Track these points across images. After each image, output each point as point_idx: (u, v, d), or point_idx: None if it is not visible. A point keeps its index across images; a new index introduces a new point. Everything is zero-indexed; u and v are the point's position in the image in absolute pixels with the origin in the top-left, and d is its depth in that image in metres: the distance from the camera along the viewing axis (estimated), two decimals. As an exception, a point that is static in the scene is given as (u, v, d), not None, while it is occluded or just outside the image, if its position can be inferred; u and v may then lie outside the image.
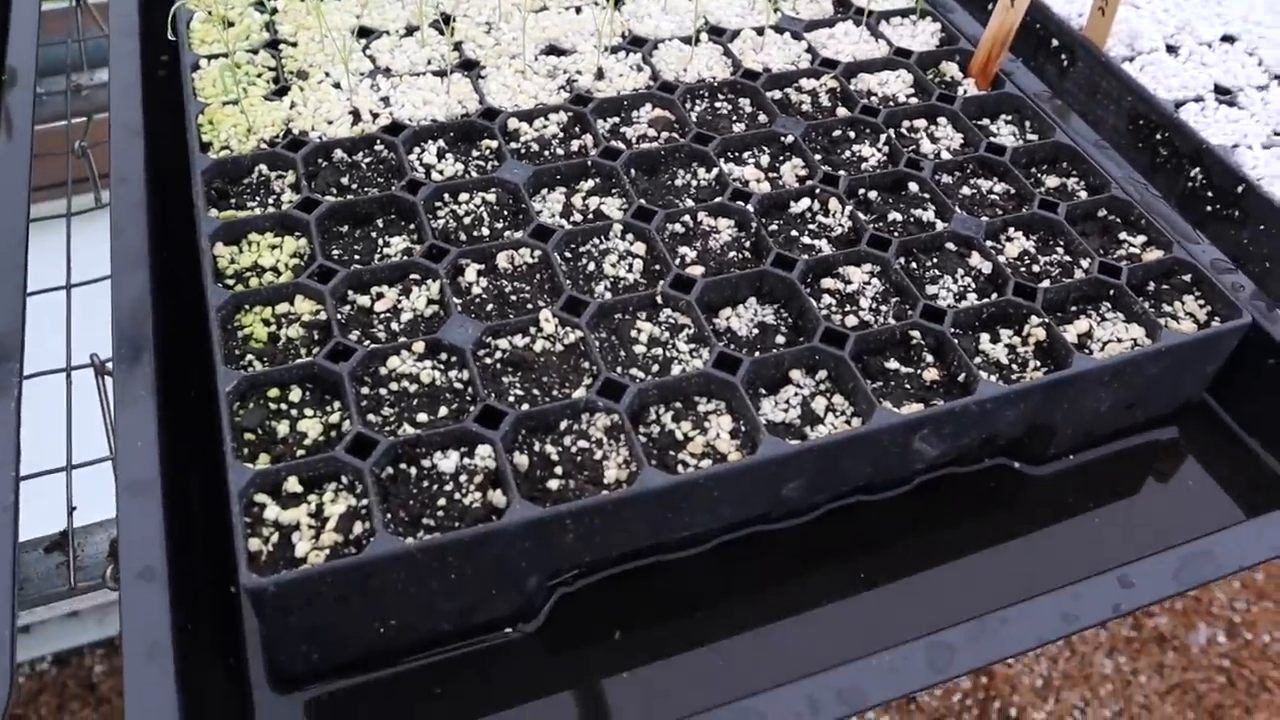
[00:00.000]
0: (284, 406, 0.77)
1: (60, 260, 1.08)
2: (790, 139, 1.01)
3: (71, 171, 1.18)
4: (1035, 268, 0.93)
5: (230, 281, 0.85)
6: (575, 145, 0.99)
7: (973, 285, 0.91)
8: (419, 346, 0.80)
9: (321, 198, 0.91)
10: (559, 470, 0.74)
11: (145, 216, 0.91)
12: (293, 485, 0.72)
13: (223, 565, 0.78)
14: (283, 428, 0.75)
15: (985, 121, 1.09)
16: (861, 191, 0.98)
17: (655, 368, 0.81)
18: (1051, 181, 1.03)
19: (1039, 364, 0.85)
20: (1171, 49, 1.19)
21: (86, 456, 0.96)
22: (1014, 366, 0.85)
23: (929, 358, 0.85)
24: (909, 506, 0.88)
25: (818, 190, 0.96)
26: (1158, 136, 1.10)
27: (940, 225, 0.95)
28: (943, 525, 0.88)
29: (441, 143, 0.99)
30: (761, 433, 0.76)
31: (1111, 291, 0.91)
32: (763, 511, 0.82)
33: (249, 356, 0.80)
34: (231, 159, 0.94)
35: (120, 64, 1.06)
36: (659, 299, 0.85)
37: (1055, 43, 1.21)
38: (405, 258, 0.87)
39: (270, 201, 0.92)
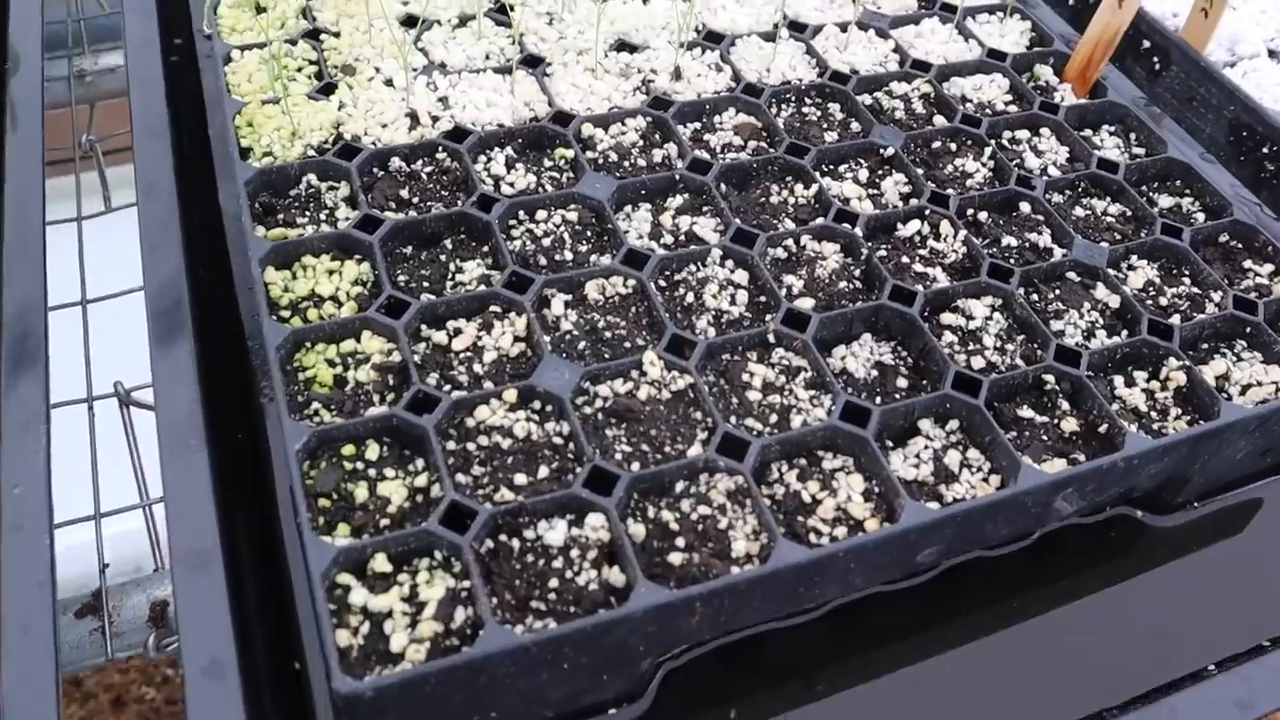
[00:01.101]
0: (360, 465, 0.67)
1: (71, 270, 0.97)
2: (890, 151, 0.93)
3: (79, 165, 1.06)
4: (1162, 300, 0.86)
5: (286, 313, 0.75)
6: (658, 155, 0.90)
7: (1100, 321, 0.83)
8: (510, 395, 0.70)
9: (382, 214, 0.81)
10: (680, 542, 0.65)
11: (179, 236, 0.80)
12: (380, 563, 0.62)
13: (284, 643, 0.68)
14: (361, 491, 0.66)
15: (1087, 132, 1.01)
16: (970, 212, 0.90)
17: (773, 418, 0.73)
18: (1165, 201, 0.95)
19: (1179, 411, 0.78)
20: (1274, 54, 1.12)
21: (113, 498, 0.86)
22: (1153, 414, 0.78)
23: (1065, 405, 0.77)
24: (1029, 561, 0.81)
25: (927, 211, 0.88)
26: (1264, 150, 1.02)
27: (1059, 252, 0.87)
28: (1064, 580, 0.81)
29: (510, 150, 0.88)
30: (901, 496, 0.68)
31: (1248, 329, 0.83)
32: (892, 578, 0.74)
33: (315, 404, 0.70)
34: (276, 168, 0.83)
35: (139, 54, 0.94)
36: (771, 337, 0.77)
37: (1147, 44, 1.13)
38: (484, 287, 0.77)
39: (323, 218, 0.82)
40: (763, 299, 0.80)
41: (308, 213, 0.82)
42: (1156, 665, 0.73)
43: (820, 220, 0.86)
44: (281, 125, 0.86)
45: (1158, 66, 1.12)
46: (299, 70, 0.92)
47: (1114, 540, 0.83)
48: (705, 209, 0.86)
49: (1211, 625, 0.76)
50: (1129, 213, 0.92)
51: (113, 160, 1.11)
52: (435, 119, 0.89)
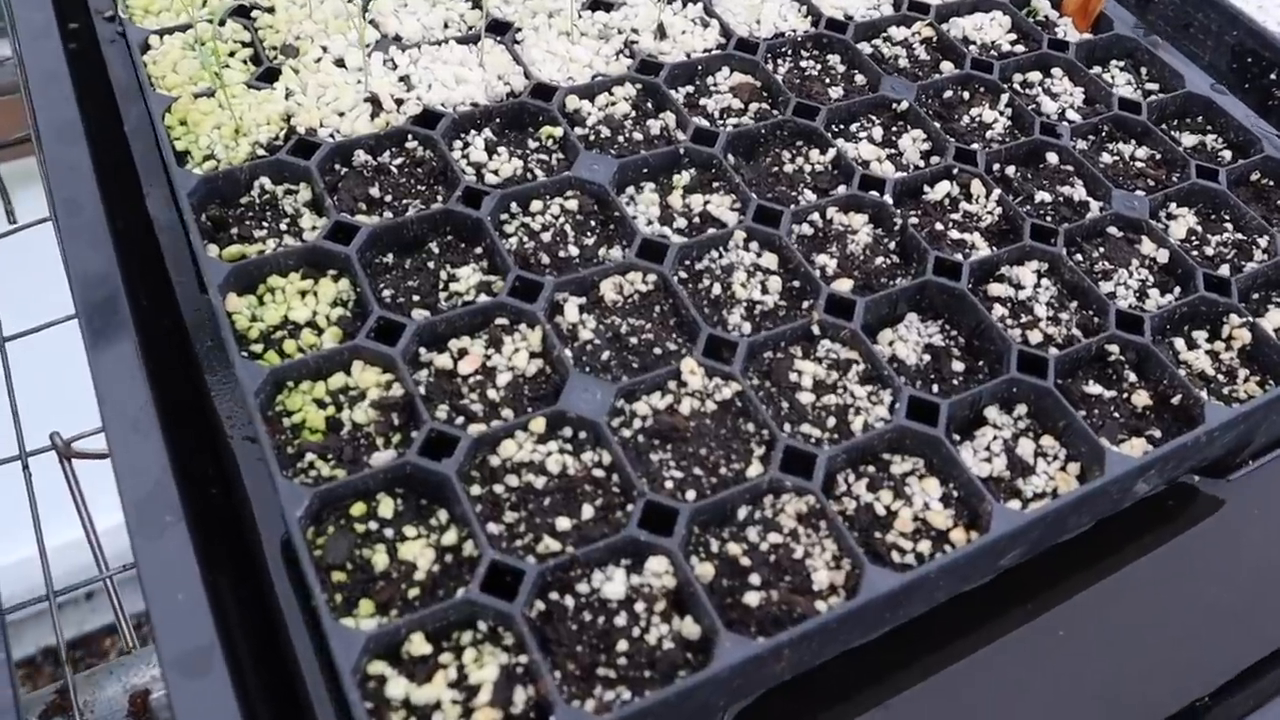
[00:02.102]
0: (374, 526, 0.57)
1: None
2: (904, 105, 0.84)
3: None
4: (1208, 250, 0.80)
5: (257, 347, 0.64)
6: (654, 127, 0.80)
7: (1150, 279, 0.77)
8: (538, 424, 0.61)
9: (353, 219, 0.70)
10: (754, 578, 0.57)
11: (115, 263, 0.68)
12: (418, 644, 0.53)
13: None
14: (380, 558, 0.56)
15: (1096, 70, 0.94)
16: (997, 167, 0.82)
17: (831, 421, 0.65)
18: (1188, 140, 0.89)
19: (1248, 372, 0.73)
20: (1271, -27, 1.06)
21: (61, 557, 0.74)
22: (1220, 377, 0.72)
23: (1132, 376, 0.71)
24: (1092, 540, 0.75)
25: (955, 170, 0.80)
26: (1272, 76, 0.97)
27: (1096, 206, 0.80)
28: (1131, 556, 0.75)
29: (488, 132, 0.78)
30: (985, 500, 0.61)
31: (1301, 274, 0.78)
32: (974, 586, 0.67)
33: (309, 456, 0.59)
34: (223, 173, 0.71)
35: (35, 44, 0.80)
36: (815, 329, 0.68)
37: (1138, -31, 1.06)
38: (485, 296, 0.67)
39: (284, 228, 0.70)
40: (796, 284, 0.71)
41: (265, 223, 0.70)
42: (1237, 643, 0.69)
43: (843, 189, 0.78)
44: (221, 122, 0.73)
45: (1150, -7, 1.05)
46: (231, 55, 0.79)
47: (1171, 508, 0.78)
48: (716, 185, 0.77)
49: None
50: (1158, 156, 0.86)
51: (12, 166, 0.97)
52: (399, 102, 0.77)
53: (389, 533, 0.57)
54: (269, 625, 0.61)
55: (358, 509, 0.57)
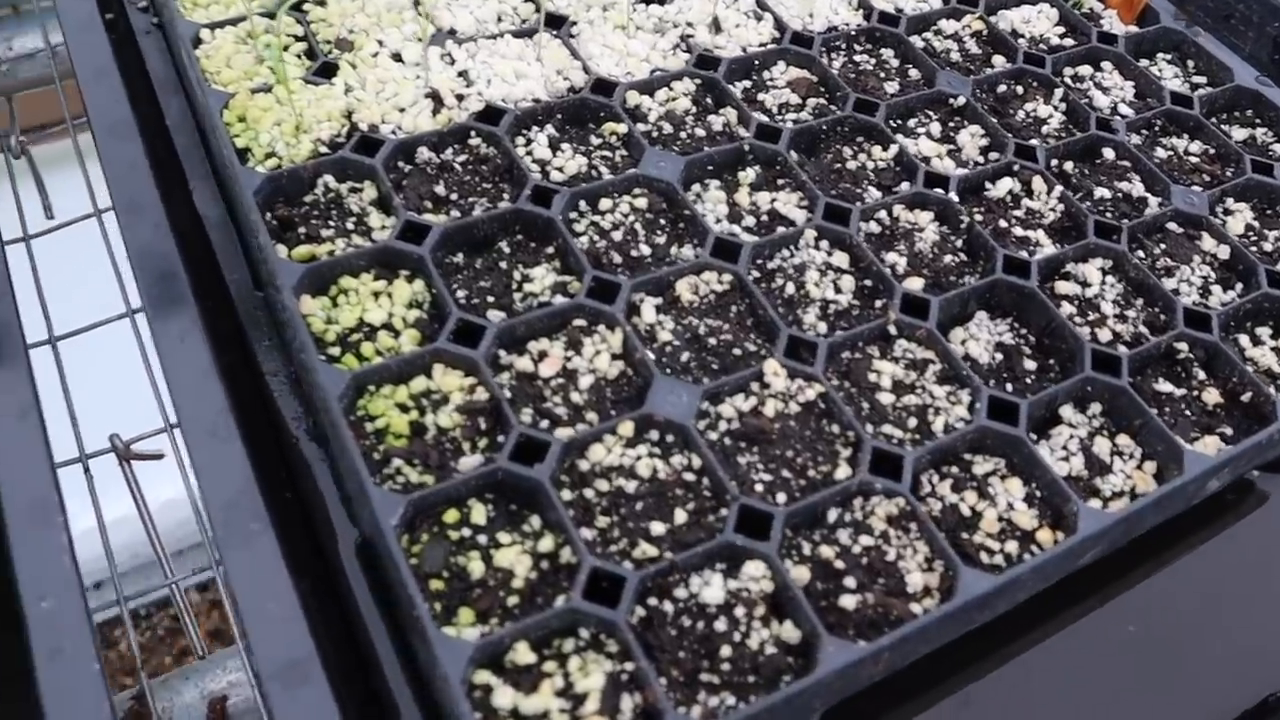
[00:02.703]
0: (467, 533, 0.57)
1: (29, 301, 0.82)
2: (961, 100, 0.84)
3: (12, 168, 0.89)
4: (1266, 245, 0.80)
5: (335, 351, 0.63)
6: (716, 123, 0.79)
7: (1212, 275, 0.77)
8: (626, 428, 0.60)
9: (420, 218, 0.69)
10: (850, 581, 0.57)
11: (182, 264, 0.67)
12: (523, 653, 0.52)
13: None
14: (476, 565, 0.55)
15: (1144, 63, 0.94)
16: (1054, 163, 0.82)
17: (912, 421, 0.64)
18: (1238, 134, 0.89)
19: (1313, 367, 0.73)
20: (1309, -34, 1.06)
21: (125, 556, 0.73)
22: (1286, 373, 0.73)
23: (1201, 373, 0.71)
24: (1157, 535, 0.75)
25: (1016, 167, 0.80)
26: (1313, 69, 0.97)
27: (1154, 202, 0.81)
28: (1195, 549, 0.76)
29: (551, 129, 0.77)
30: (1071, 500, 0.61)
31: (1358, 270, 0.79)
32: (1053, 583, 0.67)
33: (395, 462, 0.59)
34: (287, 172, 0.70)
35: (81, 37, 0.78)
36: (892, 329, 0.68)
37: (1175, -42, 1.06)
38: (561, 297, 0.67)
39: (351, 227, 0.69)
40: (869, 283, 0.71)
41: (331, 222, 0.69)
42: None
43: (907, 185, 0.77)
44: (282, 118, 0.72)
45: (1188, -18, 1.05)
46: (285, 49, 0.78)
47: (1232, 502, 0.78)
48: (781, 182, 0.77)
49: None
50: (1211, 150, 0.86)
51: (41, 158, 0.95)
52: (460, 98, 0.76)
53: (483, 539, 0.57)
54: (348, 632, 0.60)
55: (451, 516, 0.57)
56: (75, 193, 0.92)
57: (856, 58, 0.88)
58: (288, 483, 0.67)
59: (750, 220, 0.74)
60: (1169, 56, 0.96)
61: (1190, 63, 0.95)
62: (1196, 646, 0.69)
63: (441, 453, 0.60)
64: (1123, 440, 0.67)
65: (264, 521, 0.58)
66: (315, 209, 0.70)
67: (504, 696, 0.51)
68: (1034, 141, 0.82)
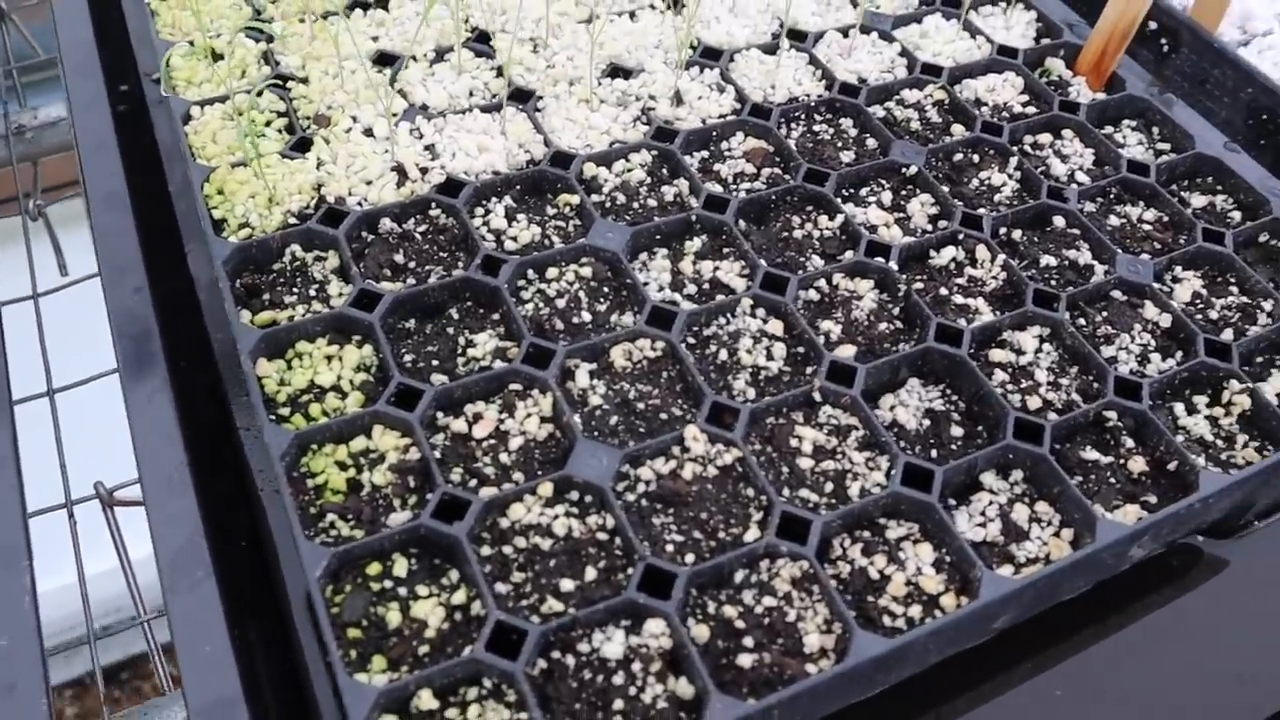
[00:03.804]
0: (388, 585, 0.61)
1: (32, 355, 0.89)
2: (913, 170, 0.87)
3: (29, 229, 0.97)
4: (1212, 314, 0.81)
5: (285, 410, 0.68)
6: (669, 194, 0.83)
7: (1153, 343, 0.78)
8: (546, 489, 0.64)
9: (378, 285, 0.74)
10: (748, 641, 0.60)
11: (158, 327, 0.73)
12: (426, 700, 0.56)
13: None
14: (394, 615, 0.59)
15: (1108, 129, 0.96)
16: (1004, 231, 0.85)
17: (829, 486, 0.67)
18: (1197, 201, 0.91)
19: (1247, 438, 0.74)
20: (1288, 30, 1.07)
21: (102, 596, 0.78)
22: (1219, 443, 0.74)
23: (1129, 442, 0.72)
24: (1094, 600, 0.76)
25: (960, 236, 0.82)
26: (1288, 134, 0.98)
27: (1101, 270, 0.82)
28: (1132, 617, 0.76)
29: (509, 199, 0.81)
30: (976, 566, 0.63)
31: (1304, 338, 0.79)
32: (963, 647, 0.69)
33: (329, 516, 0.63)
34: (256, 242, 0.75)
35: (86, 115, 0.85)
36: (816, 395, 0.71)
37: (1154, 25, 1.07)
38: (500, 362, 0.71)
39: (314, 294, 0.74)
40: (800, 350, 0.74)
41: (295, 289, 0.75)
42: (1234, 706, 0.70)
43: (850, 254, 0.80)
44: (256, 191, 0.78)
45: (1166, 49, 1.07)
46: (267, 124, 0.84)
47: (1175, 568, 0.79)
48: (726, 251, 0.80)
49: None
50: (1165, 218, 0.88)
51: (63, 213, 1.02)
52: (424, 170, 0.81)
53: (403, 591, 0.61)
54: (293, 676, 0.64)
55: (373, 569, 0.61)
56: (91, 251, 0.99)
57: (816, 127, 0.91)
58: (247, 531, 0.72)
59: (692, 288, 0.77)
60: (1134, 124, 0.97)
61: (1155, 129, 0.96)
62: (1122, 713, 0.70)
63: (374, 508, 0.64)
64: (1041, 507, 0.69)
65: (208, 570, 0.63)
66: (281, 276, 0.76)
67: (405, 742, 0.55)
68: (981, 210, 0.84)
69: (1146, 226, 0.87)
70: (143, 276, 0.76)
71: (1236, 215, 0.90)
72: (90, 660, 0.77)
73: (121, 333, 0.72)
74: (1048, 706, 0.69)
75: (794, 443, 0.69)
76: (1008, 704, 0.70)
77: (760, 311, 0.76)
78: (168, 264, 0.82)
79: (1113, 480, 0.71)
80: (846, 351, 0.74)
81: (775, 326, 0.75)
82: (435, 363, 0.72)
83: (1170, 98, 1.02)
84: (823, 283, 0.78)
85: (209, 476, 0.69)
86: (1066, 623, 0.74)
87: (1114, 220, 0.87)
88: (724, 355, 0.73)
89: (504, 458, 0.67)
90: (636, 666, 0.58)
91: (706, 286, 0.77)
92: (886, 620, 0.62)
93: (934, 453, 0.70)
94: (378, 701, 0.55)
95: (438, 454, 0.66)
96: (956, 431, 0.72)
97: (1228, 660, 0.74)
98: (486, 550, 0.62)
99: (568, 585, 0.61)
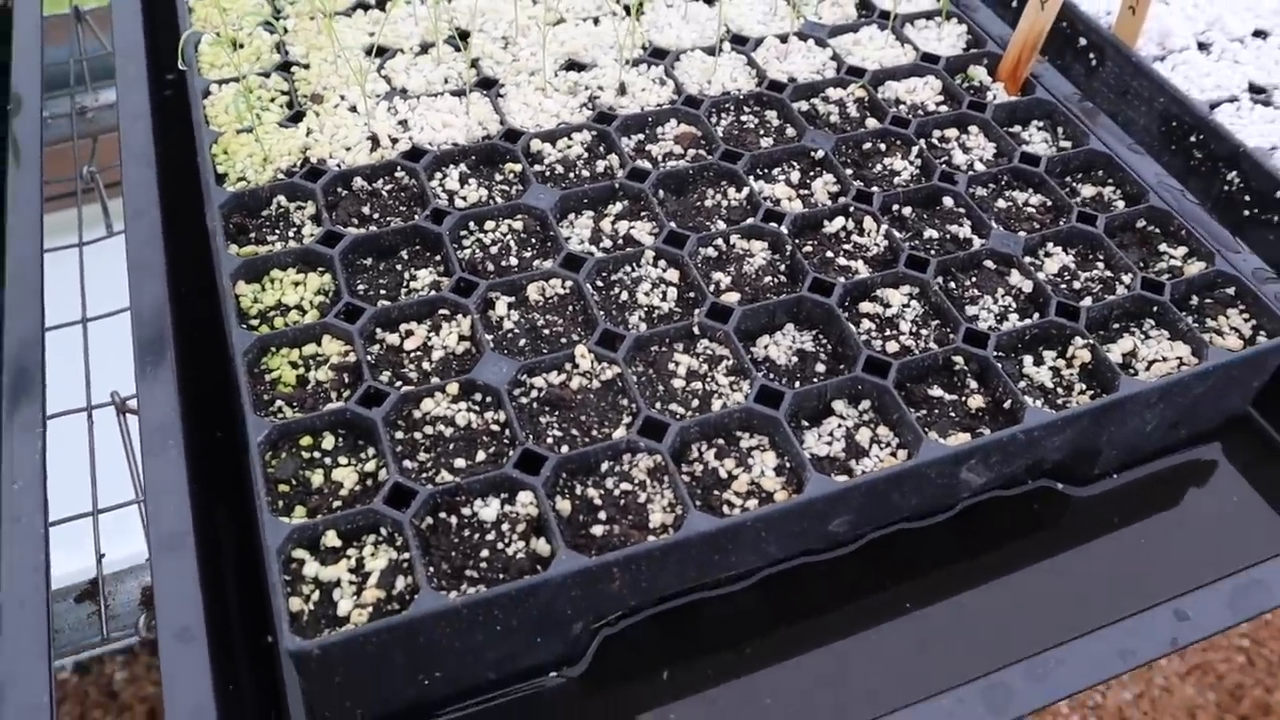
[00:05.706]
0: (317, 455, 0.75)
1: (74, 292, 1.06)
2: (821, 154, 0.99)
3: (80, 197, 1.15)
4: (1076, 284, 0.91)
5: (254, 322, 0.83)
6: (601, 166, 0.97)
7: (1014, 305, 0.89)
8: (453, 388, 0.78)
9: (344, 230, 0.89)
10: (602, 515, 0.72)
11: (162, 256, 0.89)
12: (331, 539, 0.70)
13: (259, 618, 0.76)
14: (317, 478, 0.73)
15: (1017, 128, 1.07)
16: (896, 208, 0.96)
17: (695, 403, 0.79)
18: (1087, 191, 1.01)
19: (1084, 387, 0.83)
20: (1203, 46, 1.16)
21: (112, 498, 0.94)
22: (1059, 390, 0.83)
23: (973, 384, 0.83)
24: (953, 532, 0.86)
25: (851, 209, 0.94)
26: (1192, 139, 1.07)
27: (978, 242, 0.93)
28: (988, 550, 0.86)
29: (464, 167, 0.96)
30: (808, 470, 0.74)
31: (1155, 309, 0.89)
32: (809, 547, 0.80)
33: (278, 402, 0.78)
34: (249, 191, 0.91)
35: (129, 91, 1.03)
36: (696, 329, 0.83)
37: (1083, 42, 1.18)
38: (433, 292, 0.85)
39: (291, 235, 0.90)
40: (691, 295, 0.87)
41: (277, 231, 0.90)
42: (1060, 630, 0.78)
43: (750, 220, 0.93)
44: (254, 152, 0.94)
45: (1094, 63, 1.17)
46: (272, 100, 1.00)
47: (1036, 511, 0.89)
48: (643, 214, 0.93)
49: (1120, 590, 0.82)
50: (1049, 203, 0.98)
51: (114, 191, 1.20)
52: (395, 141, 0.96)
53: (328, 461, 0.74)
54: (246, 526, 0.78)
55: (306, 441, 0.75)
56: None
57: (743, 118, 1.04)
58: (226, 425, 0.86)
59: (608, 243, 0.90)
60: (1041, 124, 1.08)
61: (1060, 129, 1.07)
62: (960, 627, 0.80)
63: (315, 399, 0.78)
64: (883, 431, 0.80)
65: (180, 442, 0.77)
66: (267, 221, 0.91)
67: (310, 568, 0.68)
68: (875, 189, 0.96)
69: (1030, 209, 0.97)
70: (158, 220, 0.92)
71: (1121, 205, 0.99)
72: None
73: (135, 263, 0.88)
74: (902, 622, 0.80)
75: (671, 367, 0.81)
76: (858, 608, 0.81)
77: (661, 262, 0.89)
78: (190, 220, 0.98)
79: (953, 414, 0.81)
80: (731, 297, 0.86)
81: (673, 275, 0.88)
82: (383, 292, 0.86)
83: (1089, 105, 1.12)
84: (720, 241, 0.90)
85: (197, 379, 0.84)
86: (926, 548, 0.85)
87: (1001, 203, 0.98)
88: (625, 296, 0.86)
89: (426, 365, 0.80)
90: (506, 527, 0.71)
91: (620, 242, 0.91)
92: (726, 509, 0.74)
93: (798, 384, 0.82)
94: (291, 535, 0.69)
95: (371, 360, 0.80)
96: (820, 368, 0.83)
97: (1069, 584, 0.83)
98: (400, 435, 0.76)
99: (460, 463, 0.74)
